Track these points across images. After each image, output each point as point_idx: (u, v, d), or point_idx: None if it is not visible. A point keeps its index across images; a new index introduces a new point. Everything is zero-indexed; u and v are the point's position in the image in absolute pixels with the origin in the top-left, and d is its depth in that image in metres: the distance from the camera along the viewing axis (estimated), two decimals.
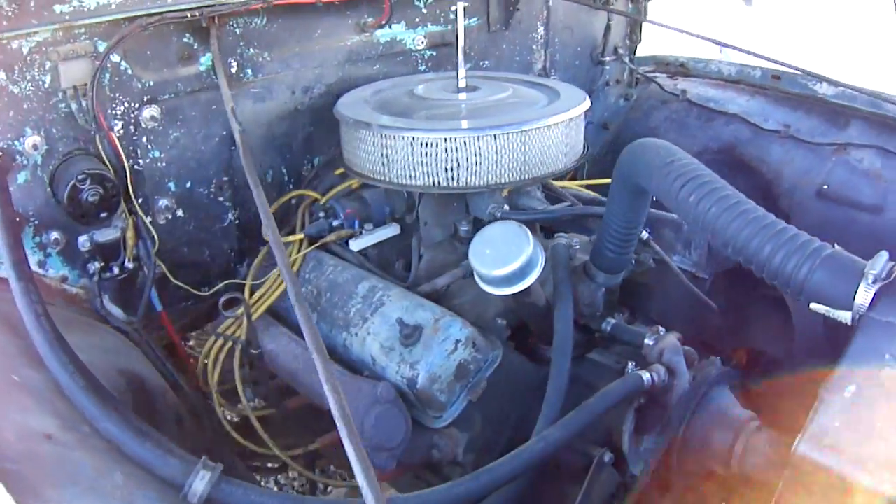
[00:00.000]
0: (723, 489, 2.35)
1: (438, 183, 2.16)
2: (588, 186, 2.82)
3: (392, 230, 2.42)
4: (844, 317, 1.37)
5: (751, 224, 1.48)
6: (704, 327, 2.66)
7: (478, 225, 2.39)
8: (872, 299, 1.26)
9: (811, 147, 2.86)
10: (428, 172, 2.15)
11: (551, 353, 2.01)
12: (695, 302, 2.55)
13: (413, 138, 2.12)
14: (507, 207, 2.35)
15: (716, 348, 2.68)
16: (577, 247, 2.29)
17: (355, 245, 2.34)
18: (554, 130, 2.22)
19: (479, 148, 2.13)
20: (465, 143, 2.12)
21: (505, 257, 1.89)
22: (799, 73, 2.98)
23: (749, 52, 2.95)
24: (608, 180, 2.87)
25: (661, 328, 2.16)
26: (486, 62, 2.89)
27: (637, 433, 2.05)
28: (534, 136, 2.18)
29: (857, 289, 1.34)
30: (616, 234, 2.08)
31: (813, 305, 1.41)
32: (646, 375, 2.01)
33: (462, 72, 2.39)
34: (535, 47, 3.02)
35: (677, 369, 2.10)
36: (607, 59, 3.29)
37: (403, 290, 2.17)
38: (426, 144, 2.12)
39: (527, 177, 2.22)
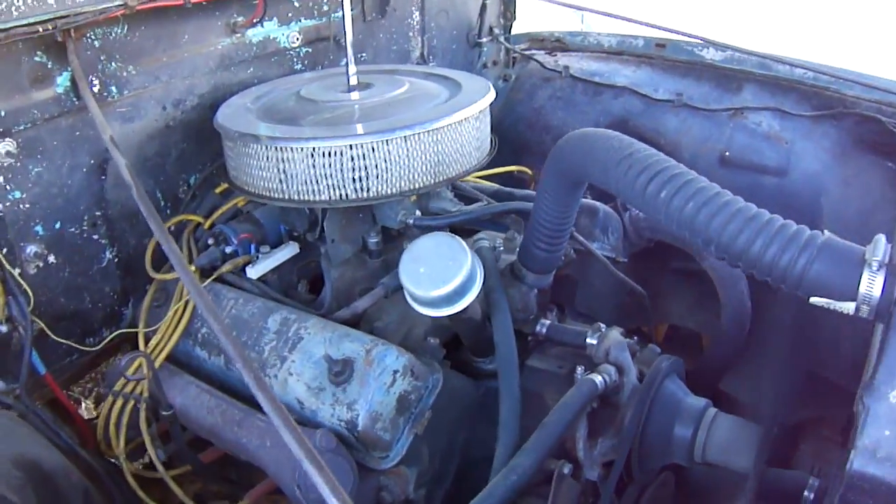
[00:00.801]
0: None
1: (346, 195, 1.94)
2: (482, 177, 2.66)
3: (291, 250, 2.16)
4: (847, 308, 1.26)
5: (735, 218, 1.34)
6: (633, 313, 2.56)
7: (386, 235, 2.19)
8: None
9: (707, 114, 2.79)
10: (333, 185, 1.93)
11: (498, 371, 1.84)
12: (621, 288, 2.43)
13: (314, 149, 1.89)
14: (418, 213, 2.16)
15: (641, 331, 2.59)
16: (501, 247, 2.13)
17: (254, 272, 2.08)
18: (465, 126, 2.04)
19: (389, 153, 1.92)
20: (373, 149, 1.90)
21: (442, 275, 1.69)
22: (683, 38, 2.91)
23: (618, 17, 2.86)
24: (504, 169, 2.77)
25: (601, 325, 2.03)
26: (364, 54, 2.67)
27: (590, 437, 1.92)
28: (446, 134, 1.99)
29: (860, 278, 1.23)
30: (547, 232, 1.92)
31: (813, 299, 1.29)
32: (598, 378, 1.87)
33: (353, 68, 2.16)
34: (411, 34, 2.82)
35: (625, 366, 1.97)
36: (484, 39, 3.13)
37: (320, 320, 1.93)
38: (329, 154, 1.89)
39: (440, 178, 2.03)
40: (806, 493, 2.02)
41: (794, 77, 2.72)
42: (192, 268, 2.06)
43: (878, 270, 1.22)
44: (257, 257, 2.10)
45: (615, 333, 2.02)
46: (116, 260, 2.12)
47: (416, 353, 1.86)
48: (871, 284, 1.22)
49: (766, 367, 2.41)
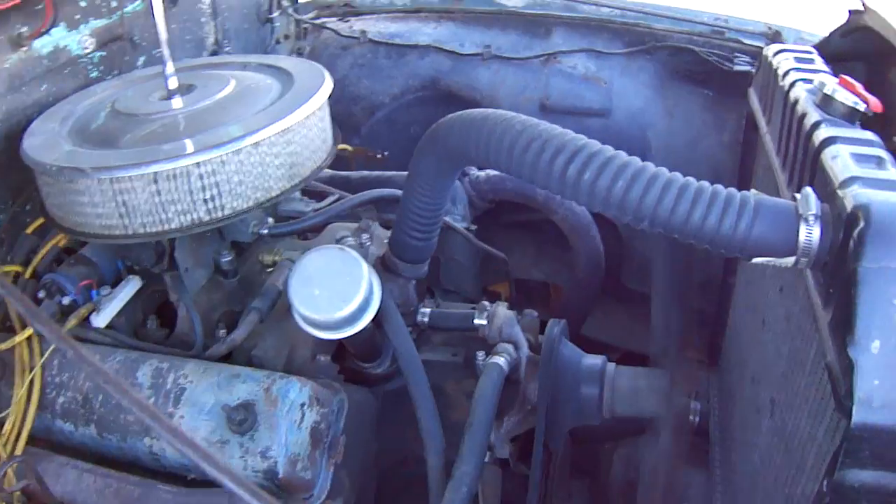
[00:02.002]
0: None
1: (199, 219, 1.70)
2: None
3: (134, 285, 1.88)
4: (787, 262, 1.25)
5: (667, 192, 1.26)
6: (491, 278, 2.50)
7: (238, 250, 1.98)
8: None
9: (519, 63, 2.73)
10: (183, 210, 1.68)
11: (406, 377, 1.71)
12: (481, 257, 2.36)
13: (156, 174, 1.63)
14: (271, 220, 1.96)
15: (486, 289, 2.54)
16: (369, 243, 1.97)
17: (101, 320, 1.78)
18: (313, 119, 1.85)
19: (241, 163, 1.69)
20: (223, 163, 1.67)
21: (343, 293, 1.51)
22: None
23: None
24: None
25: (486, 304, 1.94)
26: (158, 50, 2.38)
27: (496, 418, 1.84)
28: (297, 132, 1.79)
29: (797, 233, 1.23)
30: (422, 220, 1.78)
31: (755, 260, 1.27)
32: (501, 360, 1.79)
33: (171, 67, 1.90)
34: (203, 20, 2.53)
35: (519, 340, 1.90)
36: (274, 14, 2.89)
37: (197, 363, 1.68)
38: (175, 177, 1.64)
39: (296, 181, 1.83)
40: (691, 417, 2.07)
41: (601, 16, 2.71)
42: (28, 332, 1.76)
43: (814, 223, 1.21)
44: (99, 302, 1.83)
45: (503, 310, 1.93)
46: None
47: (308, 375, 1.69)
48: (810, 238, 1.21)
49: (654, 308, 2.43)
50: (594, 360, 1.95)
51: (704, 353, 2.45)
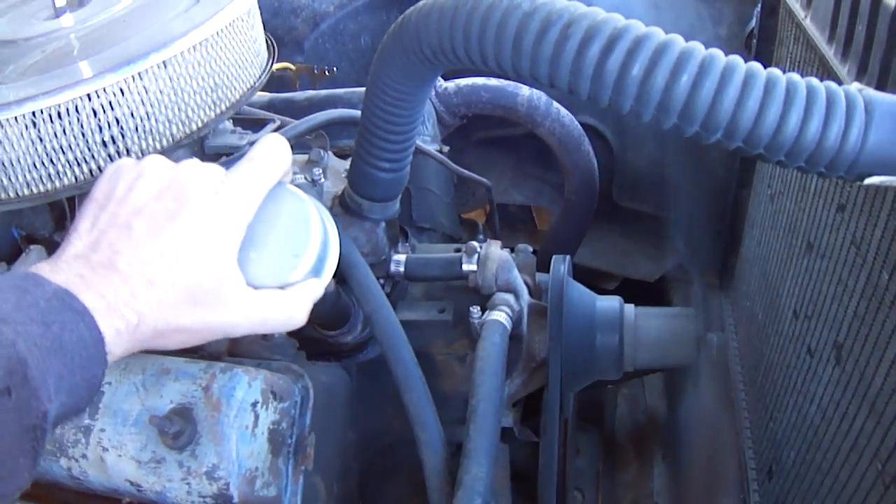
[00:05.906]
0: None
1: (99, 168, 1.24)
2: None
3: (36, 257, 1.42)
4: None
5: (750, 87, 0.85)
6: (469, 207, 2.08)
7: None
8: None
9: None
10: (78, 159, 1.21)
11: (384, 351, 1.30)
12: (460, 184, 1.94)
13: (34, 114, 1.16)
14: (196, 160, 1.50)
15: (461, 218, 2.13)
16: (321, 178, 1.53)
17: None
18: (239, 27, 1.38)
19: (147, 90, 1.22)
20: (122, 92, 1.20)
21: (290, 245, 1.07)
22: None
23: None
24: None
25: (474, 245, 1.52)
26: None
27: None
28: (217, 44, 1.32)
29: None
30: (391, 144, 1.33)
31: (868, 181, 0.86)
32: (502, 317, 1.40)
33: None
34: None
35: (518, 288, 1.50)
36: None
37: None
38: (60, 116, 1.17)
39: (222, 107, 1.36)
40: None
41: None
42: None
43: None
44: None
45: (496, 250, 1.52)
46: None
47: (258, 357, 1.28)
48: None
49: (674, 225, 2.05)
50: (610, 304, 1.56)
51: (715, 276, 2.09)
